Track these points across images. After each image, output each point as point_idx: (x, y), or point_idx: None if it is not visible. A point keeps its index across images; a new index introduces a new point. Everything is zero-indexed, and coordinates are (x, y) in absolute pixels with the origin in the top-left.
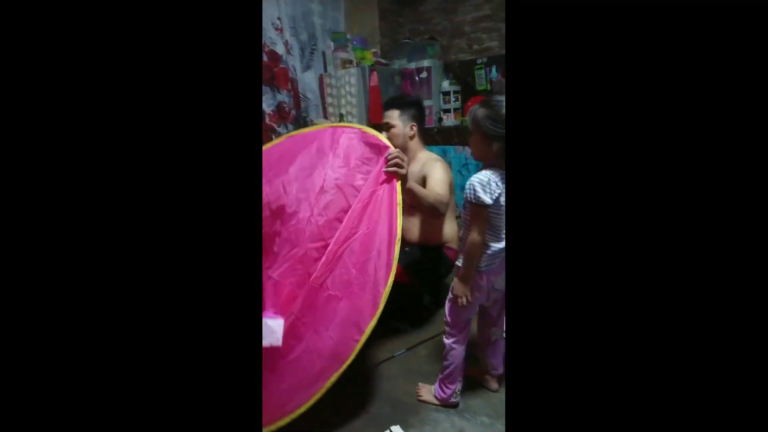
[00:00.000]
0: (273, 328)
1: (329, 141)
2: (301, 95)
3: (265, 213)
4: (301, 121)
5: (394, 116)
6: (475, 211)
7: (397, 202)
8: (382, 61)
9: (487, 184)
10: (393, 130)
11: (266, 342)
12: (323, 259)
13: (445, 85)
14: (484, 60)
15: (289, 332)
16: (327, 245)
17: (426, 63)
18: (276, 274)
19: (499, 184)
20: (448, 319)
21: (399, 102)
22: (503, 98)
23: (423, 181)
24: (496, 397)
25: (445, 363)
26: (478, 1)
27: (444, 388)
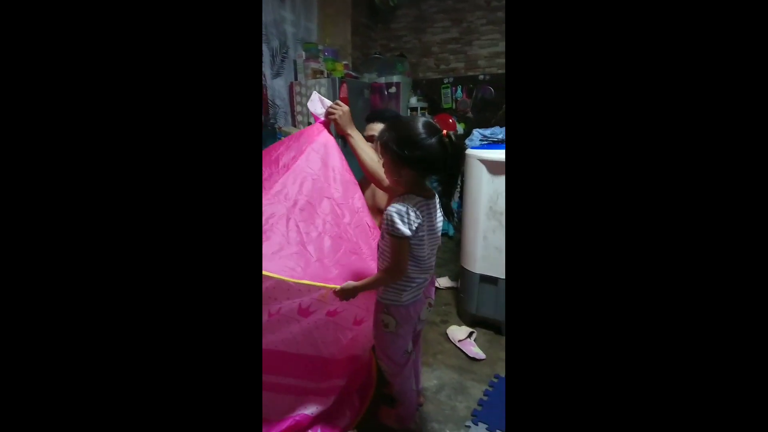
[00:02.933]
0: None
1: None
2: (270, 102)
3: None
4: (269, 128)
5: (378, 129)
6: (394, 243)
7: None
8: (353, 73)
9: (405, 214)
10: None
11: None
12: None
13: (413, 101)
14: (451, 80)
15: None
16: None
17: (395, 78)
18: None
19: (419, 213)
20: (387, 360)
21: (382, 116)
22: (413, 118)
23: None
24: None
25: (402, 405)
26: (447, 24)
27: (408, 421)
